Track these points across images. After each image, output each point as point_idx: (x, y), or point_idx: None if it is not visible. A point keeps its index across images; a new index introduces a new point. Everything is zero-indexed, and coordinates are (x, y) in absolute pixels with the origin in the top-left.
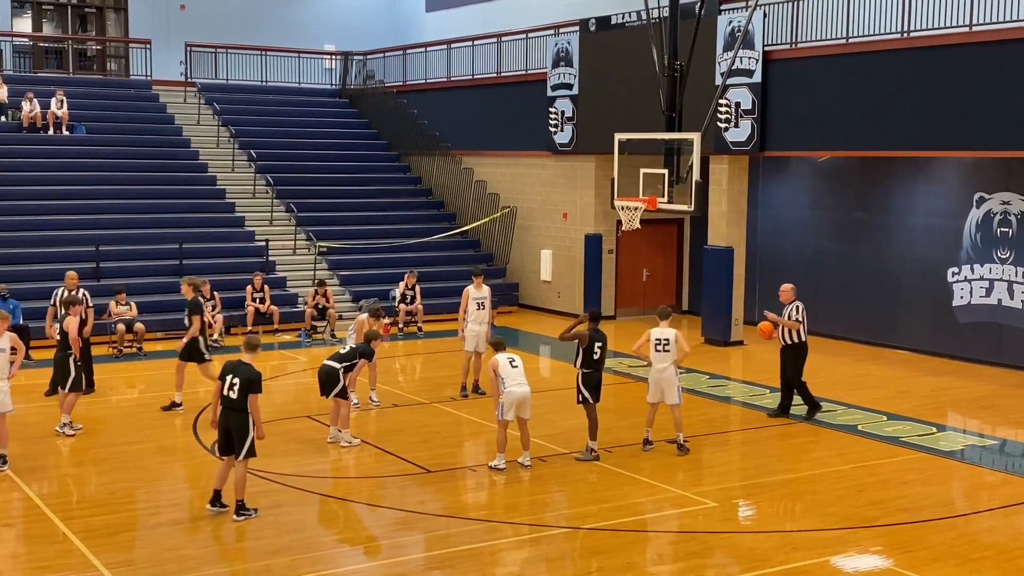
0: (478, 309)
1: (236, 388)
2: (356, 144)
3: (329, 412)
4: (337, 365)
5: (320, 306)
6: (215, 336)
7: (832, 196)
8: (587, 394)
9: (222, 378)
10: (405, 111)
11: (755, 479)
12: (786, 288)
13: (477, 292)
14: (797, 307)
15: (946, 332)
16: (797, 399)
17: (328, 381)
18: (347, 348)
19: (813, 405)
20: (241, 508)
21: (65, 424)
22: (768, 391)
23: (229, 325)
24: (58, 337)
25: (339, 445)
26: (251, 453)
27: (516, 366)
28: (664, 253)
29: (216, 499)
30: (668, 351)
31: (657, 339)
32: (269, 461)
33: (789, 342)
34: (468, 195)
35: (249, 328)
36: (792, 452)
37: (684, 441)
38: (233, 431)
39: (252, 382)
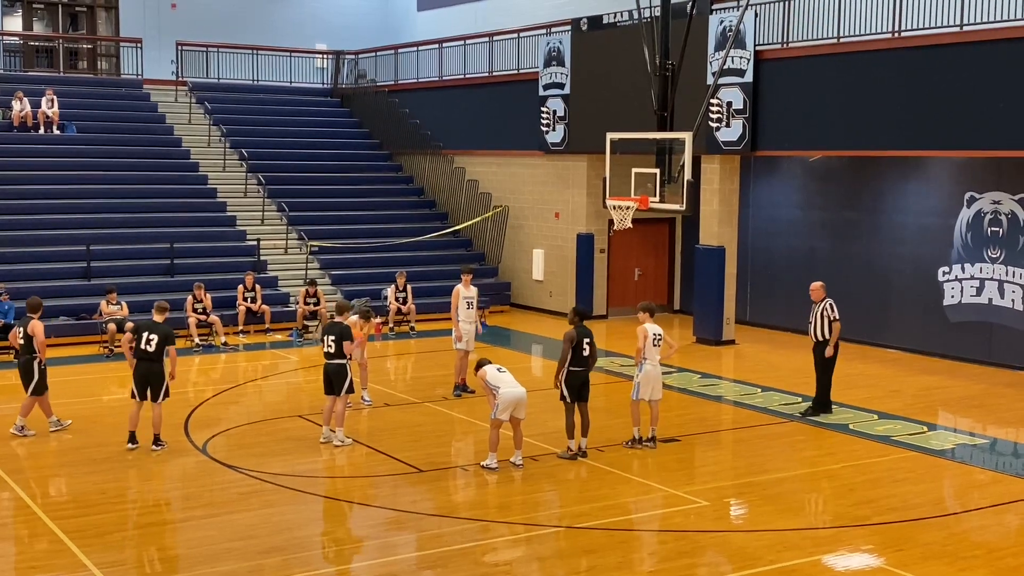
0: (467, 308)
1: (154, 343)
2: (348, 143)
3: (321, 412)
4: (341, 361)
5: (312, 305)
6: (223, 339)
7: (823, 196)
8: (566, 392)
9: (137, 334)
10: (397, 110)
11: (746, 478)
12: (816, 286)
13: (466, 291)
14: (831, 304)
15: (937, 331)
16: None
17: (337, 378)
18: (333, 347)
19: (823, 405)
20: (158, 440)
21: (22, 426)
22: (759, 390)
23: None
24: (21, 341)
25: (331, 444)
26: (167, 395)
27: (504, 372)
28: (656, 252)
29: (132, 438)
30: (659, 346)
31: (654, 334)
32: (261, 461)
33: (821, 339)
34: (460, 194)
35: (240, 328)
36: (783, 451)
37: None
38: (152, 379)
39: (168, 336)
